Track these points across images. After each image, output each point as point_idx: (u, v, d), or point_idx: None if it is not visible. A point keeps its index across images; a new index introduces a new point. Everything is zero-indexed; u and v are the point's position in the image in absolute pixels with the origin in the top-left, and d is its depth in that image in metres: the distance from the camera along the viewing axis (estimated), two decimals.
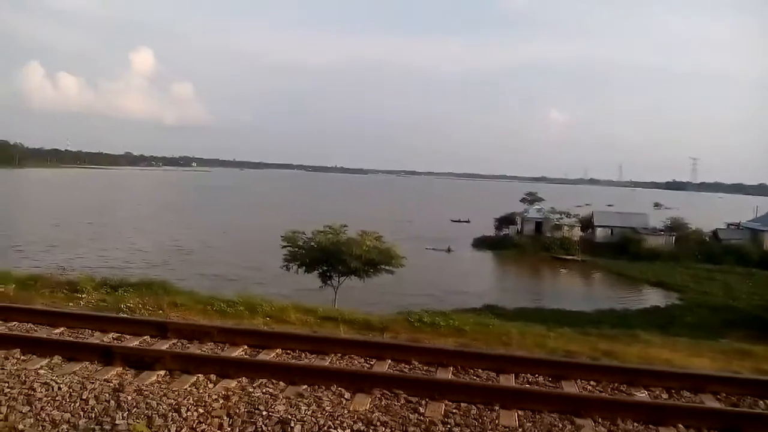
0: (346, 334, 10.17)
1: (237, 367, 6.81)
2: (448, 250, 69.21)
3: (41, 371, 6.54)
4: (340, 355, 7.76)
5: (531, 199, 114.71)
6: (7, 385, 6.04)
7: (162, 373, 6.69)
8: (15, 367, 6.59)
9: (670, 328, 27.16)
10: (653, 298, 49.73)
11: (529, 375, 7.30)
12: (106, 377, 6.45)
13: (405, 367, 7.41)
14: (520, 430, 5.70)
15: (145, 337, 8.16)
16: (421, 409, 5.99)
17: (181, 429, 5.38)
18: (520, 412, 6.02)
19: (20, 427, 5.33)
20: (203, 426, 5.45)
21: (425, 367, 7.44)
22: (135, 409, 5.66)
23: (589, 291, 54.22)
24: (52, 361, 6.90)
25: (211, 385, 6.43)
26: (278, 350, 7.83)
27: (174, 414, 5.61)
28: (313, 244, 30.60)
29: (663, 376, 7.35)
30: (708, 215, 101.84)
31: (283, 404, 5.90)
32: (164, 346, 7.81)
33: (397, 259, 29.98)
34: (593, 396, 6.73)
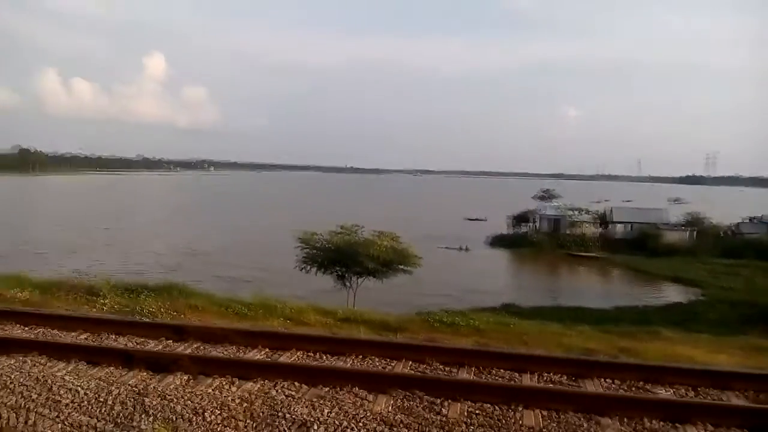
0: (365, 335, 10.19)
1: (257, 370, 6.85)
2: (465, 249, 68.96)
3: (65, 376, 6.62)
4: (359, 356, 7.76)
5: (547, 196, 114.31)
6: (32, 390, 6.12)
7: (184, 376, 6.74)
8: (40, 373, 6.67)
9: (691, 325, 26.75)
10: (673, 294, 49.09)
11: (550, 374, 7.25)
12: (129, 381, 6.51)
13: (425, 368, 7.40)
14: (544, 430, 5.67)
15: (165, 341, 8.22)
16: (443, 410, 5.98)
17: None
18: (542, 412, 5.99)
19: None
20: (226, 429, 5.48)
21: (445, 368, 7.42)
22: (159, 413, 5.71)
23: (608, 288, 53.67)
24: (76, 366, 6.98)
25: (232, 388, 6.46)
26: (298, 352, 7.85)
27: (197, 417, 5.65)
28: (329, 245, 30.63)
29: (686, 373, 7.27)
30: (727, 209, 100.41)
31: (305, 406, 5.91)
32: (184, 349, 7.87)
33: (414, 259, 29.93)
34: (616, 394, 6.67)
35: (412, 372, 7.22)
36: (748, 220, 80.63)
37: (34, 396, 5.99)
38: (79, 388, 6.17)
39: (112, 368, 6.92)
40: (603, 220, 77.87)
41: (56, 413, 5.69)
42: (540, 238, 73.09)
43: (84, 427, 5.49)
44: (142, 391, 6.14)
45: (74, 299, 12.73)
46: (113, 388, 6.23)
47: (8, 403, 5.81)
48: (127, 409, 5.78)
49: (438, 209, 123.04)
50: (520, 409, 6.02)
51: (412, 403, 6.15)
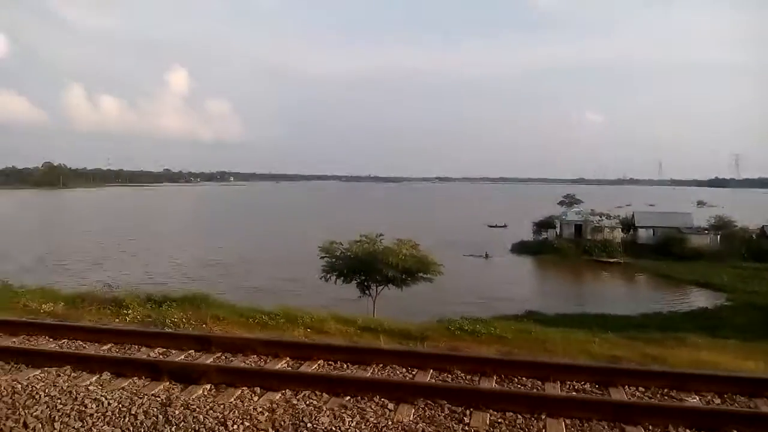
0: (387, 344, 10.17)
1: (280, 380, 6.86)
2: (486, 256, 68.62)
3: (91, 387, 6.70)
4: (381, 365, 7.74)
5: (569, 201, 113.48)
6: (60, 401, 6.20)
7: (207, 386, 6.78)
8: (66, 384, 6.76)
9: (719, 331, 26.29)
10: (700, 299, 48.31)
11: (575, 382, 7.16)
12: (153, 392, 6.56)
13: (447, 377, 7.36)
14: None
15: (190, 352, 8.29)
16: (466, 419, 5.93)
17: None
18: (567, 421, 5.92)
19: None
20: None
21: (468, 377, 7.37)
22: (183, 423, 5.74)
23: (633, 294, 52.97)
24: (102, 377, 7.07)
25: (255, 398, 6.49)
26: (320, 361, 7.86)
27: (221, 427, 5.67)
28: (349, 254, 30.68)
29: (713, 380, 7.12)
30: (754, 212, 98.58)
31: (328, 416, 5.91)
32: (209, 360, 7.93)
33: (435, 267, 29.82)
34: (643, 402, 6.56)
35: (435, 381, 7.19)
36: None
37: (60, 406, 6.08)
38: (105, 399, 6.25)
39: (138, 379, 7.01)
40: (626, 224, 76.98)
41: (82, 423, 5.76)
42: (563, 245, 72.51)
43: None
44: (166, 402, 6.19)
45: (100, 311, 12.92)
46: (138, 398, 6.29)
47: (35, 414, 5.90)
48: (151, 419, 5.83)
49: (458, 216, 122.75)
50: (544, 417, 5.95)
51: (434, 412, 6.12)
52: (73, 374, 7.18)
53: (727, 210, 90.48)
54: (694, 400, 6.67)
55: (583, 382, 7.14)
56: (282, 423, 5.76)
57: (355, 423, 5.76)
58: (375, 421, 5.82)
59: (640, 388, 6.96)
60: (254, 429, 5.65)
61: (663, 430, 5.75)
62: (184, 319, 11.76)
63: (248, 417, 5.88)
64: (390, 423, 5.80)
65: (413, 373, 7.47)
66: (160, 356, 8.14)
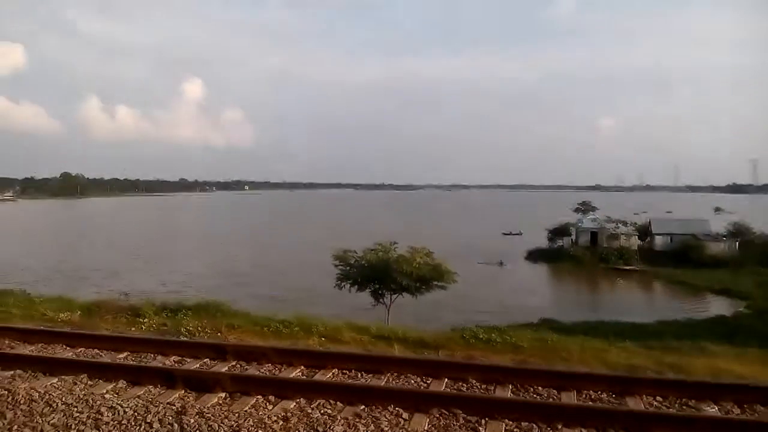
0: (401, 353, 10.13)
1: (295, 388, 6.86)
2: (501, 264, 68.29)
3: (107, 395, 6.74)
4: (395, 374, 7.72)
5: (585, 208, 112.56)
6: (76, 409, 6.25)
7: (222, 395, 6.80)
8: (83, 392, 6.81)
9: (738, 339, 25.91)
10: (718, 307, 47.67)
11: (591, 392, 7.07)
12: (168, 400, 6.59)
13: (462, 386, 7.31)
14: None
15: (205, 360, 8.32)
16: (481, 429, 5.89)
17: None
18: (583, 430, 5.84)
19: None
20: None
21: (483, 386, 7.31)
22: (197, 431, 5.76)
23: (650, 302, 52.45)
24: (118, 385, 7.12)
25: (270, 407, 6.49)
26: (334, 370, 7.85)
27: None
28: (363, 262, 30.69)
29: (733, 389, 7.01)
30: None
31: (342, 425, 5.89)
32: (224, 368, 7.95)
33: (449, 275, 29.72)
34: (660, 412, 6.47)
35: (450, 390, 7.14)
36: None
37: (77, 414, 6.12)
38: (121, 407, 6.28)
39: (153, 387, 7.04)
40: (643, 232, 76.27)
41: (98, 431, 5.80)
42: (578, 252, 72.03)
43: None
44: (181, 410, 6.21)
45: (116, 319, 13.01)
46: (153, 406, 6.32)
47: (52, 422, 5.94)
48: (165, 427, 5.85)
49: (473, 224, 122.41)
50: (561, 427, 5.88)
51: (449, 421, 6.07)
52: (89, 382, 7.23)
53: (745, 216, 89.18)
54: (712, 410, 6.57)
55: (599, 392, 7.05)
56: (296, 431, 5.75)
57: None
58: (389, 431, 5.79)
59: (658, 398, 6.87)
60: None
61: None
62: (199, 328, 11.80)
63: (263, 425, 5.88)
64: None
65: (428, 381, 7.43)
66: (176, 364, 8.18)
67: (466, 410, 6.22)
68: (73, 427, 5.85)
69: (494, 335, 12.25)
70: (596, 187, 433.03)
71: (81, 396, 6.64)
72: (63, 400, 6.48)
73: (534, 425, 5.95)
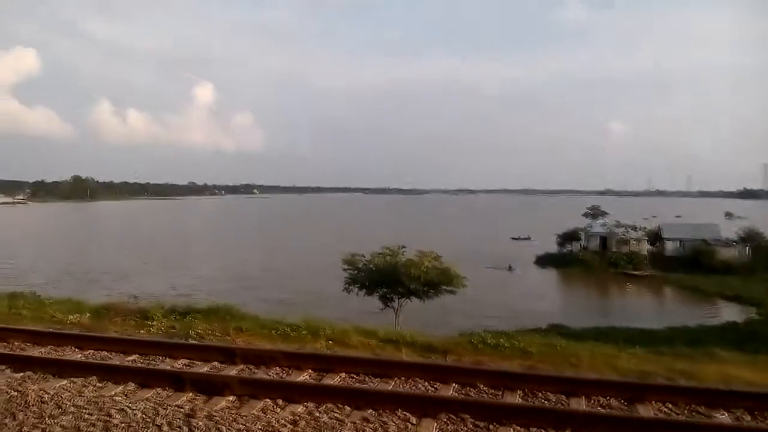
0: (409, 357, 10.11)
1: (303, 392, 6.85)
2: (510, 269, 68.10)
3: (117, 397, 6.77)
4: (403, 378, 7.70)
5: (594, 213, 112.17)
6: (85, 411, 6.27)
7: (231, 398, 6.80)
8: (92, 394, 6.84)
9: (749, 345, 25.65)
10: (729, 313, 47.27)
11: (600, 398, 7.03)
12: (177, 403, 6.61)
13: (470, 391, 7.29)
14: None
15: (214, 363, 8.34)
16: None
17: None
18: None
19: None
20: None
21: (491, 391, 7.28)
22: None
23: (660, 307, 52.13)
24: (127, 388, 7.14)
25: (278, 410, 6.48)
26: (342, 374, 7.85)
27: None
28: (372, 266, 30.70)
29: (744, 396, 6.95)
30: None
31: (350, 429, 5.89)
32: (232, 371, 7.97)
33: (457, 279, 29.68)
34: (671, 419, 6.42)
35: (458, 395, 7.12)
36: None
37: (86, 416, 6.14)
38: (130, 409, 6.30)
39: (162, 390, 7.06)
40: (653, 237, 75.84)
41: None
42: (588, 257, 71.73)
43: None
44: (190, 413, 6.22)
45: (125, 321, 13.07)
46: (162, 409, 6.34)
47: (62, 424, 5.97)
48: (174, 430, 5.86)
49: (481, 228, 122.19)
50: None
51: (457, 426, 6.05)
52: (98, 384, 7.26)
53: (757, 222, 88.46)
54: (723, 417, 6.51)
55: (609, 398, 7.01)
56: None
57: None
58: None
59: (668, 404, 6.81)
60: None
61: None
62: (207, 331, 11.83)
63: (271, 429, 5.88)
64: None
65: (436, 386, 7.42)
66: (185, 367, 8.20)
67: (474, 415, 6.19)
68: (82, 429, 5.88)
69: (503, 340, 12.20)
70: (605, 192, 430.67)
71: (90, 398, 6.67)
72: (73, 402, 6.52)
73: (543, 431, 5.92)
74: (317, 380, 7.66)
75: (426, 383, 7.54)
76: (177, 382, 7.16)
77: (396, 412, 6.33)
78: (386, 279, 29.85)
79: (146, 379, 7.33)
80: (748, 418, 6.51)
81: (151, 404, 6.50)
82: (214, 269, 64.82)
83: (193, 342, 10.23)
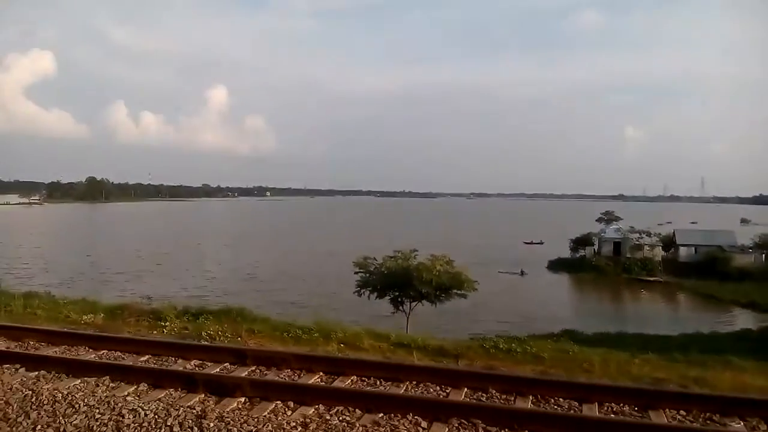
0: (420, 361, 10.09)
1: (314, 395, 6.86)
2: (522, 273, 67.76)
3: (129, 398, 6.81)
4: (415, 382, 7.67)
5: (608, 218, 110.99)
6: (98, 411, 6.32)
7: (242, 399, 6.82)
8: (105, 394, 6.89)
9: (764, 353, 25.32)
10: (744, 320, 46.69)
11: (613, 404, 6.96)
12: (189, 404, 6.63)
13: (482, 396, 7.25)
14: None
15: (225, 364, 8.37)
16: None
17: None
18: None
19: None
20: None
21: (503, 396, 7.24)
22: None
23: (674, 314, 51.57)
24: (139, 388, 7.18)
25: (289, 412, 6.49)
26: (353, 377, 7.84)
27: None
28: (383, 269, 30.63)
29: (759, 405, 6.84)
30: None
31: None
32: (244, 373, 7.99)
33: (469, 284, 29.51)
34: (684, 426, 6.35)
35: (469, 400, 7.08)
36: None
37: (98, 416, 6.18)
38: (142, 410, 6.34)
39: (174, 391, 7.09)
40: (667, 242, 75.15)
41: None
42: (601, 262, 71.16)
43: None
44: (201, 414, 6.24)
45: (138, 322, 13.16)
46: (174, 410, 6.36)
47: (74, 423, 6.02)
48: (185, 430, 5.88)
49: (493, 232, 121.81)
50: None
51: (469, 431, 6.02)
52: (111, 384, 7.31)
53: None
54: (737, 426, 6.42)
55: (622, 405, 6.94)
56: None
57: None
58: None
59: (682, 412, 6.73)
60: None
61: None
62: (219, 332, 11.89)
63: (281, 431, 5.89)
64: None
65: (447, 391, 7.38)
66: (197, 368, 8.24)
67: (486, 420, 6.15)
68: (95, 428, 5.92)
69: (515, 345, 12.16)
70: (619, 197, 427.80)
71: (103, 398, 6.72)
72: (85, 401, 6.57)
73: None
74: (328, 383, 7.66)
75: (437, 387, 7.51)
76: (189, 383, 7.19)
77: (407, 416, 6.31)
78: (398, 282, 29.74)
79: (158, 379, 7.37)
80: (764, 427, 6.41)
81: (163, 405, 6.53)
82: (227, 271, 65.14)
83: (205, 343, 10.28)
